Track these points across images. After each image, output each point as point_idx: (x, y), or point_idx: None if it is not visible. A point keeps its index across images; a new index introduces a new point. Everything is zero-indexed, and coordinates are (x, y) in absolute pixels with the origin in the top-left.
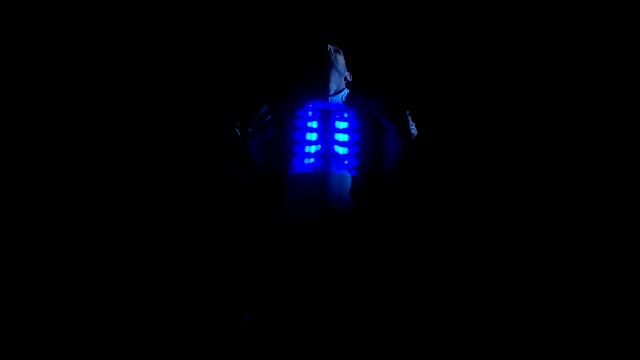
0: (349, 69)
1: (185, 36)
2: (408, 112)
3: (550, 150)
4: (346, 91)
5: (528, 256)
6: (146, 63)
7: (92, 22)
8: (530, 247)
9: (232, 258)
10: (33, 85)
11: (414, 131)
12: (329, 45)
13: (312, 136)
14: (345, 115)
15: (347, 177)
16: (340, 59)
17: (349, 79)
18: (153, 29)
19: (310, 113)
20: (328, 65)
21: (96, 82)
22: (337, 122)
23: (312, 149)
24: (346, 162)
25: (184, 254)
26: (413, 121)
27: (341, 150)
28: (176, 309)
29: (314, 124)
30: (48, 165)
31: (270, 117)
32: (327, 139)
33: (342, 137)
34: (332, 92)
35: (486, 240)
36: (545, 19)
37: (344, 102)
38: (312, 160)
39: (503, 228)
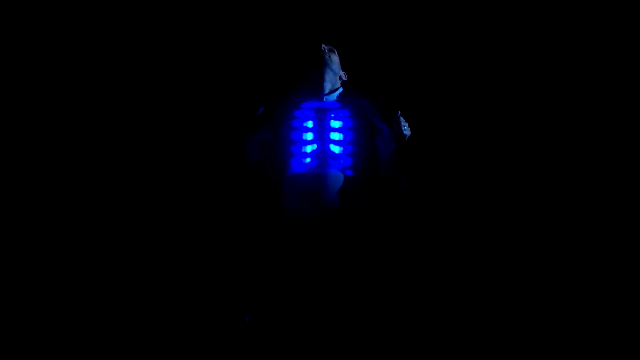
0: (343, 68)
1: (180, 38)
2: (400, 112)
3: (547, 150)
4: (341, 90)
5: (525, 256)
6: (141, 65)
7: (92, 22)
8: (527, 247)
9: (232, 259)
10: (33, 85)
11: (407, 132)
12: (323, 45)
13: (308, 136)
14: (340, 114)
15: (343, 177)
16: (335, 59)
17: (343, 78)
18: (147, 31)
19: (305, 113)
20: (322, 65)
21: (93, 82)
22: (332, 121)
23: (308, 148)
24: (342, 161)
25: (185, 254)
26: (407, 121)
27: (337, 149)
28: (177, 309)
29: (309, 124)
30: (49, 166)
31: (267, 118)
32: (322, 138)
33: (338, 136)
34: (326, 91)
35: (483, 239)
36: (540, 18)
37: (339, 101)
38: (308, 160)
39: (500, 228)
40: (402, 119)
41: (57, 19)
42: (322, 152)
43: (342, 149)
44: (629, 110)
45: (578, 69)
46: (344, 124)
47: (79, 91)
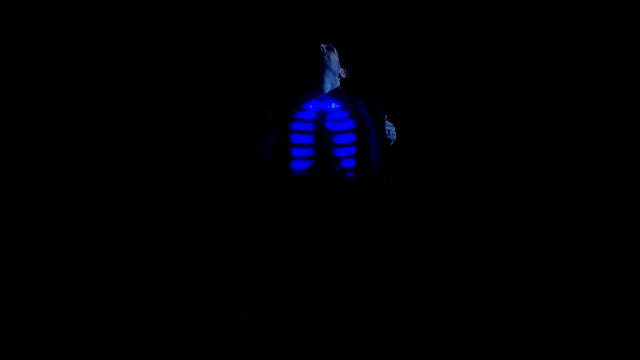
0: (342, 64)
1: (180, 41)
2: (386, 116)
3: (542, 153)
4: (340, 88)
5: (520, 257)
6: (144, 66)
7: (96, 25)
8: (521, 248)
9: (233, 259)
10: (34, 85)
11: (392, 137)
12: (322, 45)
13: (309, 139)
14: (340, 116)
15: (344, 180)
16: (334, 57)
17: (343, 75)
18: (147, 33)
19: (306, 115)
20: (321, 66)
21: (101, 91)
22: (332, 123)
23: (309, 151)
24: (342, 163)
25: (186, 255)
26: (395, 125)
27: (337, 152)
28: (177, 309)
29: (310, 126)
30: (50, 167)
31: (277, 121)
32: (323, 140)
33: (338, 138)
34: (326, 91)
35: (476, 239)
36: (540, 19)
37: (339, 101)
38: (309, 163)
39: (493, 228)
40: (388, 123)
41: (59, 19)
42: (323, 155)
43: (342, 151)
44: (626, 110)
45: (563, 70)
46: (344, 126)
47: (89, 96)
